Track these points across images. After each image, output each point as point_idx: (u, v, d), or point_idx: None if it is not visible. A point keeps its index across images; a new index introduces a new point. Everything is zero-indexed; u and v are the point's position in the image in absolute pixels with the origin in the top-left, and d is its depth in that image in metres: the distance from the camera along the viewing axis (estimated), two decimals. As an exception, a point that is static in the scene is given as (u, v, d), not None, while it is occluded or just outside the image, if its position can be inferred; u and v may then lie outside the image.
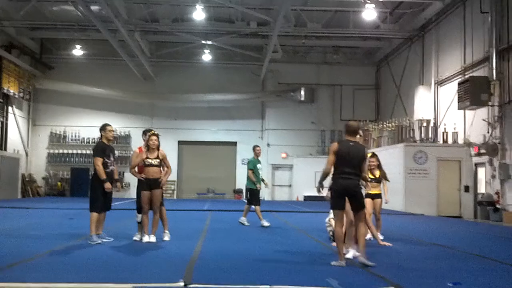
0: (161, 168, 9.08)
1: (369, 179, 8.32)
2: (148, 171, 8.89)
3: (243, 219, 12.74)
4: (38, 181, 29.81)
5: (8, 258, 6.91)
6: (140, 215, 9.18)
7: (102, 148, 8.84)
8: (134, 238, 9.13)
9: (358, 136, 7.41)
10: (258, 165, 12.71)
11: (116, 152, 31.82)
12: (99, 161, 8.66)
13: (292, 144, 30.50)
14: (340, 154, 6.85)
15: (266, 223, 12.35)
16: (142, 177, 8.91)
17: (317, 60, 31.26)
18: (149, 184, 8.88)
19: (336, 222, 6.95)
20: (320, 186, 7.08)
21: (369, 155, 9.13)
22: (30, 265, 6.60)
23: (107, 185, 8.62)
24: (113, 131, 9.16)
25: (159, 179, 8.91)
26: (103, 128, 9.00)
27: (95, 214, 8.65)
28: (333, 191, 6.93)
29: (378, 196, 9.79)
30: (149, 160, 8.89)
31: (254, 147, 13.02)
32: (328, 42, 28.45)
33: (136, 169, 9.05)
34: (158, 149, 8.99)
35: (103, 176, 8.61)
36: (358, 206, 6.91)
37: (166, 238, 9.21)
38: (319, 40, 27.85)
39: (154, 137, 8.95)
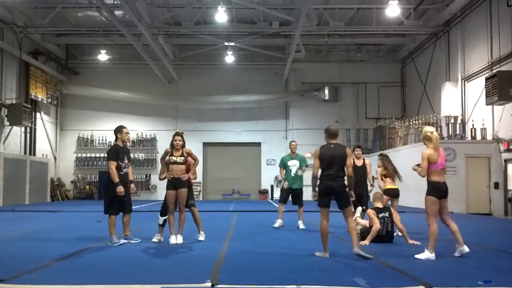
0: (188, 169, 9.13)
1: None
2: (172, 169, 8.90)
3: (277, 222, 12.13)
4: (67, 185, 30.30)
5: (35, 261, 7.02)
6: (162, 218, 9.22)
7: (116, 152, 8.88)
8: (153, 239, 9.12)
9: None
10: (290, 162, 11.97)
11: (142, 155, 32.10)
12: (113, 164, 8.71)
13: (317, 143, 29.89)
14: (323, 158, 7.49)
15: (277, 224, 11.99)
16: (169, 177, 8.94)
17: (340, 59, 31.06)
18: (174, 183, 8.91)
19: (322, 218, 7.58)
20: (314, 190, 7.66)
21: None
22: (56, 267, 6.69)
23: (119, 188, 8.64)
24: (128, 133, 9.21)
25: (183, 177, 8.90)
26: (119, 130, 9.03)
27: (112, 217, 8.76)
28: (320, 191, 7.50)
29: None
30: (173, 158, 8.91)
31: (290, 143, 12.48)
32: (351, 40, 28.26)
33: (163, 174, 9.08)
34: (183, 147, 9.02)
35: (116, 180, 8.66)
36: (344, 204, 7.48)
37: (201, 238, 9.25)
38: (342, 38, 27.68)
39: (178, 137, 8.97)
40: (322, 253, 7.55)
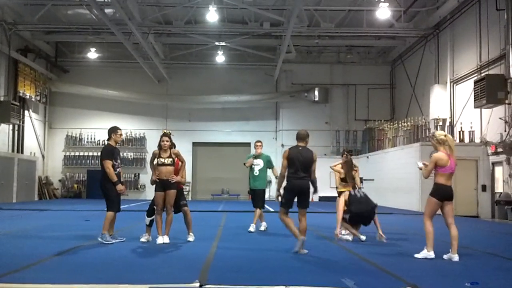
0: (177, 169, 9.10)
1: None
2: (161, 170, 8.84)
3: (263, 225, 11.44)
4: (55, 184, 30.09)
5: (23, 259, 6.97)
6: (149, 218, 9.19)
7: (111, 151, 8.89)
8: (142, 239, 9.06)
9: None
10: (254, 161, 11.38)
11: (131, 154, 32.03)
12: (109, 164, 8.71)
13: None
14: (291, 159, 7.92)
15: (252, 228, 11.14)
16: (157, 179, 8.90)
17: (330, 60, 31.15)
18: (162, 185, 8.87)
19: (282, 214, 8.00)
20: (278, 191, 8.13)
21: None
22: (45, 266, 6.66)
23: (119, 187, 8.72)
24: (122, 135, 9.26)
25: (171, 178, 8.85)
26: (114, 130, 9.03)
27: (112, 213, 8.75)
28: (286, 190, 7.92)
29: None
30: (161, 160, 8.85)
31: (255, 143, 11.70)
32: (341, 41, 28.36)
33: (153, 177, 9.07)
34: (171, 148, 8.97)
35: (115, 178, 8.68)
36: (304, 204, 7.94)
37: (190, 239, 9.22)
38: (333, 39, 27.75)
39: (165, 138, 8.90)
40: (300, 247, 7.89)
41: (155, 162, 8.94)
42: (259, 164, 11.35)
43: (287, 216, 7.99)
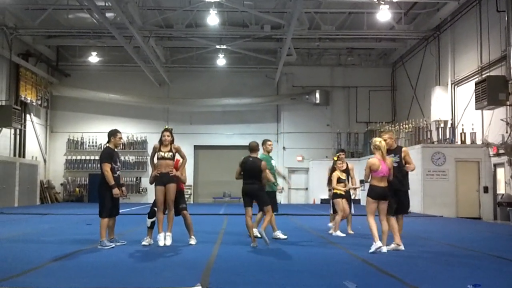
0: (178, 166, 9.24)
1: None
2: (161, 164, 8.92)
3: (278, 233, 10.41)
4: (57, 188, 30.10)
5: (24, 263, 6.97)
6: (150, 220, 9.18)
7: (110, 154, 8.87)
8: (143, 243, 9.03)
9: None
10: (273, 162, 10.79)
11: (133, 158, 32.09)
12: (107, 166, 8.68)
13: (308, 147, 30.39)
14: (243, 167, 9.29)
15: (282, 235, 10.35)
16: (157, 173, 8.92)
17: (331, 63, 31.18)
18: (162, 179, 8.89)
19: (246, 215, 9.30)
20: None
21: (335, 158, 11.29)
22: (46, 270, 6.65)
23: (115, 191, 8.67)
24: (122, 138, 9.28)
25: (171, 172, 8.90)
26: (114, 134, 9.03)
27: (105, 220, 8.70)
28: (242, 194, 9.30)
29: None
30: (161, 153, 8.94)
31: (265, 141, 10.78)
32: (342, 44, 28.37)
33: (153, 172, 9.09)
34: (171, 143, 9.04)
35: (112, 182, 8.64)
36: (262, 204, 9.30)
37: (192, 242, 9.20)
38: (333, 42, 27.76)
39: (166, 133, 9.04)
40: (254, 243, 8.96)
41: (153, 154, 9.05)
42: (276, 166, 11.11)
43: (250, 218, 9.31)
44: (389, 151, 8.73)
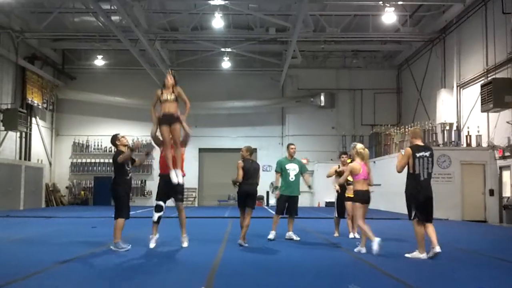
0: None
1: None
2: (165, 106, 9.04)
3: (292, 234, 10.87)
4: (62, 191, 30.17)
5: (30, 266, 6.99)
6: (157, 214, 9.11)
7: (121, 152, 8.94)
8: (150, 244, 8.98)
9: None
10: (288, 165, 10.72)
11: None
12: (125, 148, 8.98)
13: (313, 149, 30.31)
14: (244, 169, 9.77)
15: (295, 237, 10.76)
16: (162, 114, 9.03)
17: (336, 65, 31.15)
18: (167, 118, 9.00)
19: (240, 216, 9.95)
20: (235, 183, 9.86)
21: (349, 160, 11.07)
22: (51, 273, 6.67)
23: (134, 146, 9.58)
24: (124, 136, 9.29)
25: (176, 114, 9.03)
26: (116, 138, 9.10)
27: (122, 220, 8.70)
28: (239, 193, 9.82)
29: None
30: (165, 96, 9.07)
31: (288, 145, 11.07)
32: (347, 46, 28.37)
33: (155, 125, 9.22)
34: (174, 86, 9.18)
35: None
36: (251, 205, 9.81)
37: (185, 244, 9.15)
38: (339, 44, 27.75)
39: (169, 76, 9.26)
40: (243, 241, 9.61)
41: (154, 99, 9.19)
42: (295, 169, 10.79)
43: (244, 218, 9.85)
44: (422, 149, 8.37)
